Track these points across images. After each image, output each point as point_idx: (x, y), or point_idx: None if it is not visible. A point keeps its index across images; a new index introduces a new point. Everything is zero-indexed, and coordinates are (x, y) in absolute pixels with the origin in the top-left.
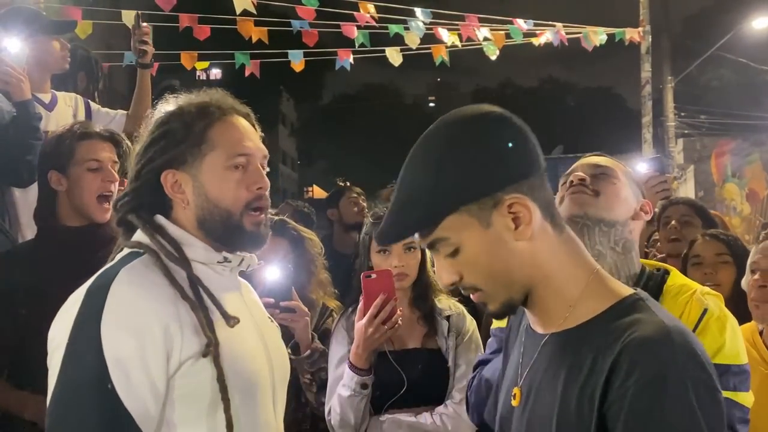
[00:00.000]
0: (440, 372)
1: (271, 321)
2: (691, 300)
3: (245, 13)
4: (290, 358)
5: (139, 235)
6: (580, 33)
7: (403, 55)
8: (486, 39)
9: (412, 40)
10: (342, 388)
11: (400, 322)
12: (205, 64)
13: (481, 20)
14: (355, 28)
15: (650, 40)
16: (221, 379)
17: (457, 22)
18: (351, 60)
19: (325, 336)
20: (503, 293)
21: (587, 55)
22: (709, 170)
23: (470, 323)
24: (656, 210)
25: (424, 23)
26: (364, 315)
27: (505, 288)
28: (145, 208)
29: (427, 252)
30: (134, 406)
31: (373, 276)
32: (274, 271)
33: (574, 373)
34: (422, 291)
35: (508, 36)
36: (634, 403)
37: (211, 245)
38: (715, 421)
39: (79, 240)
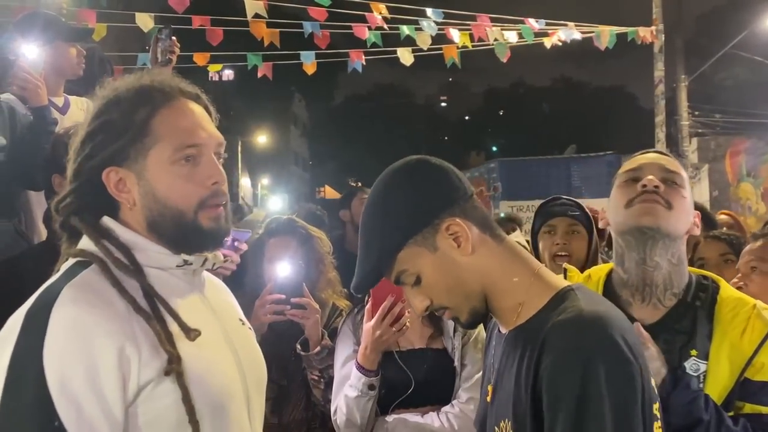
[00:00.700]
0: (446, 372)
1: (243, 324)
2: (752, 316)
3: (257, 15)
4: (300, 355)
5: (85, 242)
6: (592, 32)
7: (414, 55)
8: (497, 40)
9: (424, 40)
10: (349, 388)
11: (408, 324)
12: (219, 66)
13: (492, 20)
14: (367, 29)
15: (663, 38)
16: (187, 400)
17: (468, 23)
18: (363, 61)
19: (334, 335)
20: (465, 304)
21: (599, 54)
22: (723, 169)
23: None
24: None
25: (436, 23)
26: (373, 316)
27: (465, 300)
28: (89, 210)
29: None
30: None
31: None
32: (285, 268)
33: (519, 364)
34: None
35: (519, 36)
36: (549, 381)
37: (167, 248)
38: (622, 395)
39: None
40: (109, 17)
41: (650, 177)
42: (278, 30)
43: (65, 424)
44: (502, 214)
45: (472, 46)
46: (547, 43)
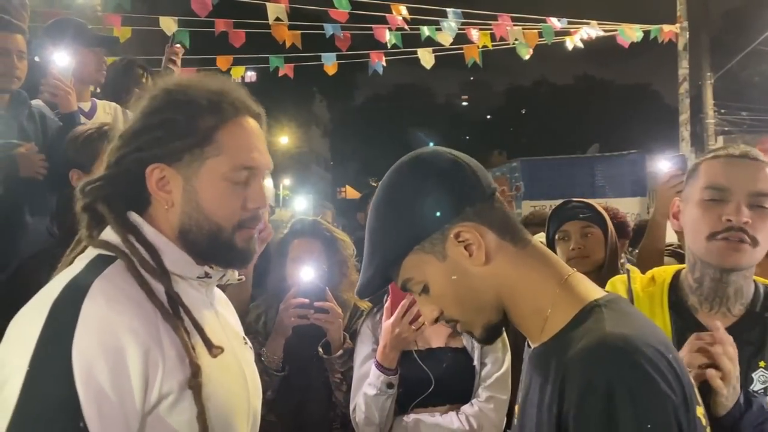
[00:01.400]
0: (465, 370)
1: (245, 343)
2: None
3: (279, 19)
4: (322, 357)
5: (109, 234)
6: (615, 30)
7: (435, 54)
8: (517, 40)
9: (445, 39)
10: (368, 386)
11: (427, 322)
12: (241, 70)
13: (513, 19)
14: (387, 30)
15: (688, 36)
16: (202, 419)
17: (489, 22)
18: (383, 63)
19: (355, 336)
20: (479, 318)
21: (623, 51)
22: None
23: None
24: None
25: (456, 23)
26: (392, 315)
27: (479, 313)
28: (119, 199)
29: None
30: None
31: None
32: (308, 272)
33: (542, 390)
34: None
35: (541, 35)
36: (577, 412)
37: (192, 257)
38: (651, 424)
39: None
40: (134, 21)
41: (737, 208)
42: (299, 32)
43: (89, 425)
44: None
45: (493, 46)
46: (569, 44)
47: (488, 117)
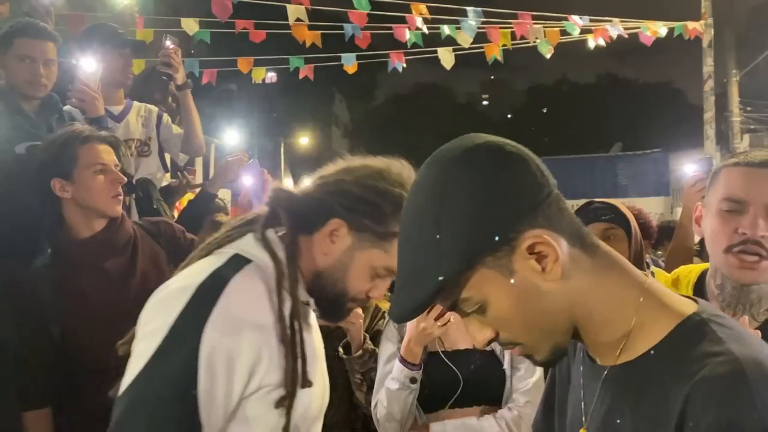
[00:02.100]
0: (494, 373)
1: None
2: None
3: (299, 20)
4: (342, 358)
5: (253, 245)
6: (638, 28)
7: (455, 54)
8: (537, 39)
9: (464, 39)
10: (391, 381)
11: (452, 319)
12: (263, 72)
13: (534, 17)
14: (407, 30)
15: (713, 33)
16: (286, 430)
17: (510, 21)
18: (403, 63)
19: (376, 337)
20: (547, 341)
21: (645, 49)
22: None
23: None
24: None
25: (476, 22)
26: None
27: (547, 336)
28: (297, 216)
29: None
30: (207, 418)
31: None
32: None
33: (642, 415)
34: None
35: (563, 33)
36: None
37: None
38: None
39: (90, 253)
40: (156, 23)
41: (753, 220)
42: (319, 32)
43: (199, 394)
44: None
45: (512, 46)
46: (592, 42)
47: (509, 116)
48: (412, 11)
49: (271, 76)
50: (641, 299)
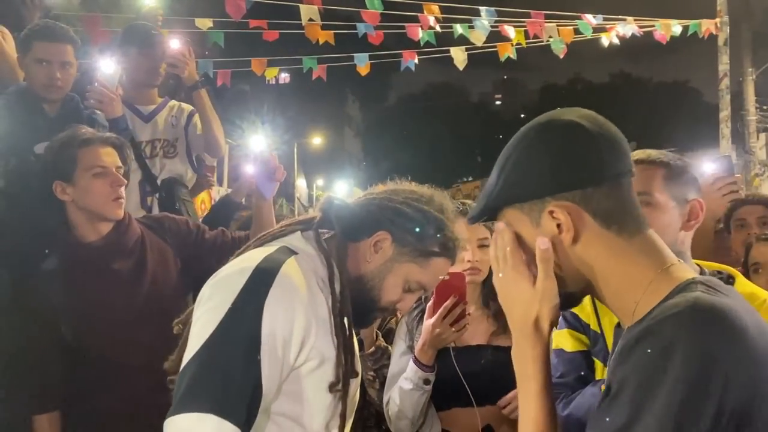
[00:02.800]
0: (506, 369)
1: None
2: (761, 310)
3: (312, 19)
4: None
5: (301, 242)
6: (652, 26)
7: (468, 53)
8: (551, 37)
9: (477, 38)
10: (404, 380)
11: (468, 326)
12: (275, 71)
13: (547, 16)
14: (420, 29)
15: (728, 31)
16: (343, 415)
17: (523, 20)
18: (416, 60)
19: (388, 335)
20: (557, 285)
21: (660, 47)
22: None
23: None
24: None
25: (489, 21)
26: (434, 314)
27: (558, 280)
28: (348, 223)
29: None
30: (267, 384)
31: (446, 277)
32: None
33: (621, 371)
34: (494, 289)
35: (576, 32)
36: (638, 366)
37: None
38: (681, 395)
39: (99, 256)
40: (171, 23)
41: None
42: (332, 32)
43: (262, 361)
44: None
45: (526, 44)
46: (605, 40)
47: (522, 116)
48: (424, 11)
49: (284, 77)
50: (654, 275)
